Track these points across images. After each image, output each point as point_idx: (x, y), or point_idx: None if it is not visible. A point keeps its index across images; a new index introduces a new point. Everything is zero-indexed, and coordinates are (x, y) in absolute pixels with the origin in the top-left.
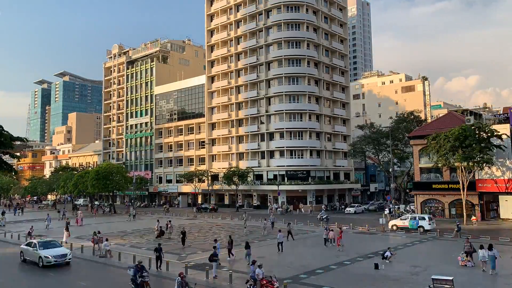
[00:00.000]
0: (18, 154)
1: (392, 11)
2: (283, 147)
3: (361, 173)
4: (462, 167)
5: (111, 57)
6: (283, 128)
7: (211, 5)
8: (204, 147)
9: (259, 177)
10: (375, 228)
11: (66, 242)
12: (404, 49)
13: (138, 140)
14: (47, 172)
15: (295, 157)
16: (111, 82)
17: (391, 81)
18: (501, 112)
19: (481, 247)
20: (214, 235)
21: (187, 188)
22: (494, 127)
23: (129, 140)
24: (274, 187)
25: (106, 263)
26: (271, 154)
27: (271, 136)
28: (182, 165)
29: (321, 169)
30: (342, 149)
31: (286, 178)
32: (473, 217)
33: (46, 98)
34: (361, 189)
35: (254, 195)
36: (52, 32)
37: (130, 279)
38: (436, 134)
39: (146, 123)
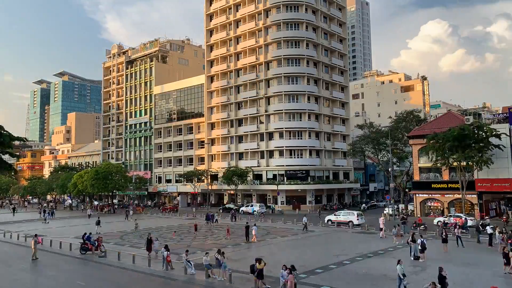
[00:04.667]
0: (17, 154)
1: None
2: (283, 146)
3: (361, 173)
4: (461, 167)
5: (110, 57)
6: (282, 128)
7: (211, 5)
8: (203, 147)
9: (258, 177)
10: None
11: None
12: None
13: (138, 140)
14: (46, 172)
15: (295, 157)
16: (110, 82)
17: (391, 81)
18: (501, 112)
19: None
20: (213, 235)
21: (186, 188)
22: (494, 126)
23: (128, 140)
24: (274, 187)
25: (105, 262)
26: (271, 153)
27: (270, 135)
28: (181, 165)
29: (321, 168)
30: (341, 148)
31: (285, 178)
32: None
33: (45, 98)
34: (361, 189)
35: (254, 195)
36: (51, 32)
37: None
38: (435, 134)
39: (145, 122)
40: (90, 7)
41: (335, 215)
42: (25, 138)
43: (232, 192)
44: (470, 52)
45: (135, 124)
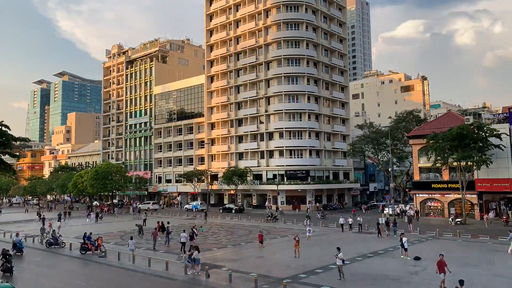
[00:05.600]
0: (17, 154)
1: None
2: (282, 146)
3: (361, 173)
4: (461, 167)
5: (110, 57)
6: (282, 128)
7: (211, 5)
8: (203, 147)
9: (258, 177)
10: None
11: None
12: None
13: (138, 140)
14: (46, 172)
15: (295, 157)
16: (110, 82)
17: (391, 81)
18: (501, 112)
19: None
20: (213, 235)
21: (186, 188)
22: (494, 126)
23: (128, 140)
24: (274, 187)
25: (105, 262)
26: (271, 153)
27: (270, 135)
28: (181, 165)
29: (321, 168)
30: (341, 148)
31: (285, 178)
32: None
33: (46, 98)
34: (361, 189)
35: (254, 195)
36: (51, 31)
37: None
38: (435, 134)
39: (145, 122)
40: (39, 4)
41: None
42: (27, 138)
43: (232, 192)
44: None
45: (135, 124)
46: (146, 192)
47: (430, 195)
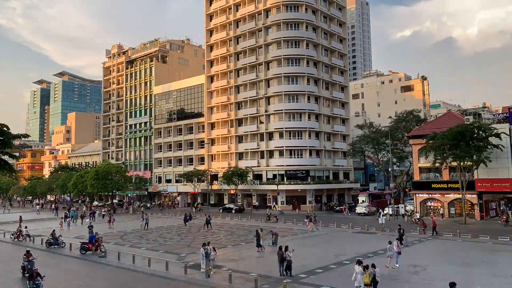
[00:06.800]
0: (17, 154)
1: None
2: (282, 146)
3: (361, 173)
4: (461, 167)
5: (110, 57)
6: (282, 128)
7: (211, 5)
8: (203, 147)
9: (258, 177)
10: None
11: None
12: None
13: (138, 140)
14: (46, 172)
15: (295, 157)
16: (110, 82)
17: (391, 81)
18: (500, 112)
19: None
20: (213, 234)
21: (186, 188)
22: (493, 126)
23: (128, 140)
24: (274, 187)
25: (105, 262)
26: (271, 153)
27: (270, 135)
28: (181, 165)
29: (321, 168)
30: (341, 148)
31: (285, 178)
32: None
33: (45, 98)
34: (361, 189)
35: (254, 195)
36: (51, 31)
37: None
38: (434, 133)
39: (145, 122)
40: None
41: None
42: (26, 134)
43: (232, 192)
44: None
45: (135, 124)
46: (146, 192)
47: (430, 195)
